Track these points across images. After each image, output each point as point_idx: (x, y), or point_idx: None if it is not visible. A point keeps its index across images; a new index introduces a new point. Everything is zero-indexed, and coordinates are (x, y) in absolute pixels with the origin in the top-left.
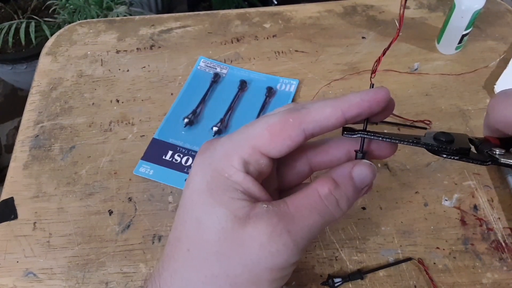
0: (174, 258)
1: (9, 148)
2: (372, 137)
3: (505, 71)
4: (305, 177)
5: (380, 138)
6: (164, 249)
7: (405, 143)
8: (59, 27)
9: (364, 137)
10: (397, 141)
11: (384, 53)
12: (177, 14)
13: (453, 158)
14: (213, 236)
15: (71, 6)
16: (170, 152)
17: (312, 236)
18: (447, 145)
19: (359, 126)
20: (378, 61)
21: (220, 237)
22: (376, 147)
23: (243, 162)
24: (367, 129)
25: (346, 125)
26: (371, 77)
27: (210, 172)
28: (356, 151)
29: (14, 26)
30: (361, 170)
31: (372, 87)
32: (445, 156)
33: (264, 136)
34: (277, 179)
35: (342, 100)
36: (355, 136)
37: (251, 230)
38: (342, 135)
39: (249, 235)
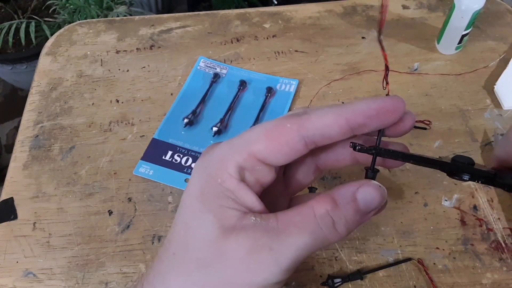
0: (161, 259)
1: (9, 148)
2: (387, 157)
3: (505, 71)
4: (313, 178)
5: (398, 158)
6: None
7: (428, 165)
8: (59, 27)
9: (377, 155)
10: (417, 162)
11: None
12: (177, 14)
13: (478, 182)
14: (197, 243)
15: (71, 6)
16: (170, 152)
17: (299, 257)
18: (474, 170)
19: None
20: (386, 75)
21: (203, 245)
22: (389, 161)
23: (238, 168)
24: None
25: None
26: (383, 86)
27: (205, 176)
28: (366, 169)
29: (14, 26)
30: (368, 193)
31: (387, 70)
32: (467, 179)
33: (261, 141)
34: (284, 186)
35: (346, 106)
36: (369, 152)
37: (233, 242)
38: (354, 150)
39: (230, 247)
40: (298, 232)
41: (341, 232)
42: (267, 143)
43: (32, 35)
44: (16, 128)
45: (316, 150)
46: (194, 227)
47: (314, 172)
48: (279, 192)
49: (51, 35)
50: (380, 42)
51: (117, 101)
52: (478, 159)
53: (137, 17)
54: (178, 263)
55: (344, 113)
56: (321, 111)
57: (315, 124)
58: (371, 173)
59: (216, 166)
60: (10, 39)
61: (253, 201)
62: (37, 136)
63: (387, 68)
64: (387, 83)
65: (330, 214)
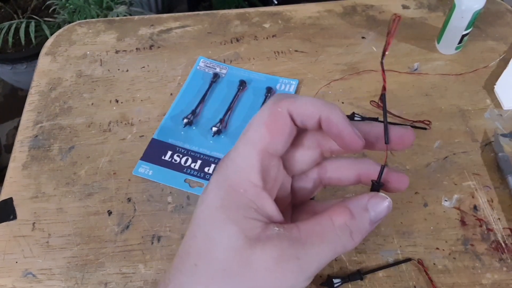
0: (181, 271)
1: (9, 148)
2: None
3: (505, 71)
4: (315, 191)
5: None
6: (172, 261)
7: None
8: (59, 27)
9: (384, 166)
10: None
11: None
12: (177, 14)
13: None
14: (222, 254)
15: (71, 6)
16: (169, 153)
17: (321, 265)
18: None
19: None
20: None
21: (229, 256)
22: (395, 178)
23: (260, 173)
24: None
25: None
26: (378, 103)
27: (225, 188)
28: (373, 182)
29: (14, 26)
30: (377, 204)
31: (384, 96)
32: None
33: (265, 135)
34: (291, 194)
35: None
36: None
37: (259, 253)
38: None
39: (257, 257)
40: (320, 242)
41: (356, 240)
42: (271, 135)
43: (32, 35)
44: (16, 128)
45: (322, 168)
46: (217, 238)
47: (318, 187)
48: (287, 203)
49: (51, 35)
50: (381, 64)
51: (117, 101)
52: (478, 159)
53: (136, 17)
54: (202, 274)
55: (321, 109)
56: (304, 98)
57: (300, 109)
58: (377, 185)
59: (236, 176)
60: (10, 39)
61: (273, 211)
62: (37, 136)
63: (384, 89)
64: (382, 102)
65: (347, 224)
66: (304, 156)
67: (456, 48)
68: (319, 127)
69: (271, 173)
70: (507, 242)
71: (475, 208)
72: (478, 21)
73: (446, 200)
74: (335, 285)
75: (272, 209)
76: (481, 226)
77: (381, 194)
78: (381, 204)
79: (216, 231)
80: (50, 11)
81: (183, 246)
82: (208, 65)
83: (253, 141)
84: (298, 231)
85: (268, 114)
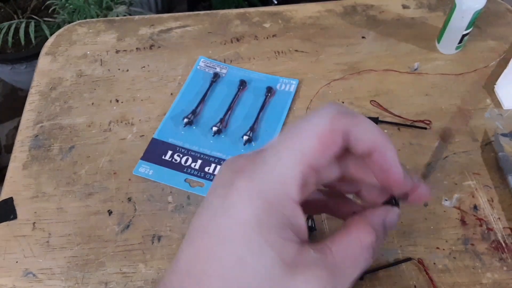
0: None
1: (9, 148)
2: None
3: (505, 71)
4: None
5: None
6: (170, 278)
7: None
8: (59, 27)
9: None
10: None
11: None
12: (177, 14)
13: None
14: (256, 281)
15: (71, 6)
16: (169, 152)
17: (351, 287)
18: None
19: None
20: None
21: (264, 284)
22: (418, 191)
23: (299, 186)
24: None
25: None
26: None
27: (261, 203)
28: (393, 198)
29: (13, 26)
30: (393, 219)
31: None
32: None
33: (316, 149)
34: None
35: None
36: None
37: (301, 283)
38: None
39: (297, 287)
40: (354, 267)
41: (374, 258)
42: (322, 151)
43: (32, 35)
44: (16, 128)
45: (332, 201)
46: (251, 263)
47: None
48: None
49: (51, 35)
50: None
51: (117, 101)
52: (478, 159)
53: (136, 16)
54: None
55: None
56: (366, 121)
57: (360, 133)
58: (394, 202)
59: (276, 189)
60: (10, 39)
61: (304, 228)
62: (37, 136)
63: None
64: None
65: (373, 246)
66: (331, 173)
67: (456, 48)
68: (366, 154)
69: (308, 187)
70: (507, 241)
71: (475, 207)
72: (478, 21)
73: (446, 200)
74: None
75: (304, 226)
76: (481, 225)
77: (397, 209)
78: (396, 219)
79: (250, 254)
80: (50, 11)
81: (195, 264)
82: (208, 65)
83: (302, 152)
84: (332, 256)
85: (324, 127)
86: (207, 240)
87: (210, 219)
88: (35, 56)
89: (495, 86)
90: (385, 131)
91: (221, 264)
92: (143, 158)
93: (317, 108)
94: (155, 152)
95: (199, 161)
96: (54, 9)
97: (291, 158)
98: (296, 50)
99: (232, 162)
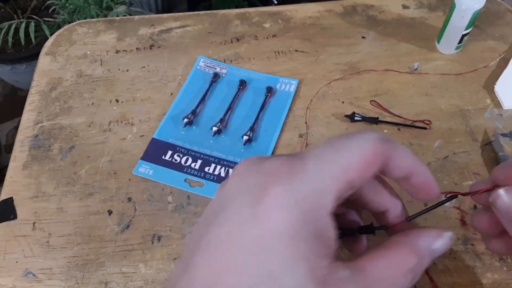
0: None
1: (9, 148)
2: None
3: (505, 71)
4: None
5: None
6: (180, 281)
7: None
8: (59, 27)
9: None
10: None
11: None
12: (177, 14)
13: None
14: None
15: (71, 6)
16: (169, 152)
17: None
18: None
19: None
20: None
21: None
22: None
23: (336, 200)
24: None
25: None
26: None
27: (297, 214)
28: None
29: (14, 26)
30: (444, 246)
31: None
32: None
33: (359, 168)
34: None
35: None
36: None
37: None
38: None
39: None
40: None
41: (414, 282)
42: (363, 172)
43: (32, 35)
44: (16, 128)
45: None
46: (283, 279)
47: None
48: None
49: (51, 35)
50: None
51: (117, 101)
52: (478, 159)
53: (136, 16)
54: None
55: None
56: (404, 151)
57: (399, 160)
58: (408, 220)
59: (313, 200)
60: (10, 39)
61: (335, 242)
62: (37, 136)
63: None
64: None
65: (413, 270)
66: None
67: (456, 48)
68: (402, 178)
69: (338, 203)
70: None
71: (475, 207)
72: (478, 21)
73: None
74: None
75: (335, 240)
76: None
77: (450, 233)
78: (447, 245)
79: (283, 270)
80: (50, 11)
81: (214, 276)
82: (208, 65)
83: (345, 168)
84: (367, 277)
85: (369, 149)
86: (233, 251)
87: (237, 228)
88: (35, 56)
89: (495, 86)
90: (385, 131)
91: (249, 279)
92: (143, 158)
93: (358, 131)
94: (155, 152)
95: (199, 161)
96: (54, 9)
97: (334, 171)
98: (296, 50)
99: (260, 163)
